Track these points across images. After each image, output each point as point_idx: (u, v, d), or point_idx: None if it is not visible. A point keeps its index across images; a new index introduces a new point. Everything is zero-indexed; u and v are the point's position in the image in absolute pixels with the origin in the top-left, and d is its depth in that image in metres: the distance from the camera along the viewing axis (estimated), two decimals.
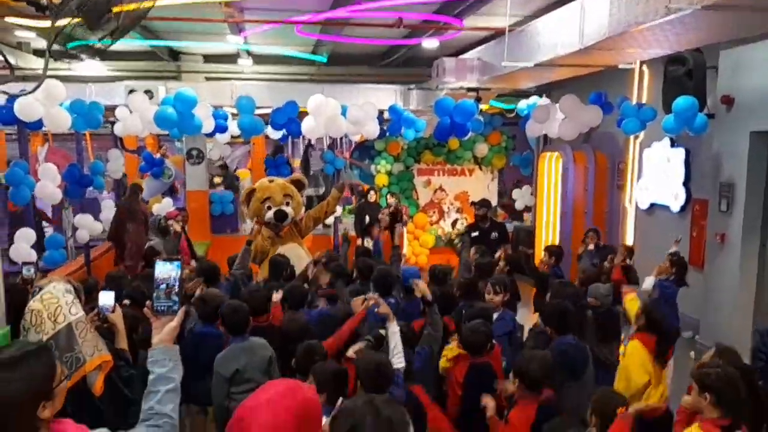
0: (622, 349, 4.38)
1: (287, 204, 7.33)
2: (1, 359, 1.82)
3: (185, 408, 4.55)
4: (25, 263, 4.65)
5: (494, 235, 8.02)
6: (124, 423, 2.65)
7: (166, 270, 2.21)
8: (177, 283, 2.20)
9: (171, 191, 11.13)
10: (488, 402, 3.58)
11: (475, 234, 7.95)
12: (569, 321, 4.24)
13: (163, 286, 2.19)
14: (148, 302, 2.21)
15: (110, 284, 4.74)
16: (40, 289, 3.00)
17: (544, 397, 3.43)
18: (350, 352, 3.84)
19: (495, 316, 4.81)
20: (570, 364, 3.93)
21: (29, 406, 1.82)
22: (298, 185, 7.75)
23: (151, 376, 2.11)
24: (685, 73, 6.85)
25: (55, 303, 2.87)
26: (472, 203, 8.49)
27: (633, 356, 4.06)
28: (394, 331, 3.82)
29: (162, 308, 2.18)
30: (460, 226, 11.45)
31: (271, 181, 7.59)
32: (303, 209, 7.73)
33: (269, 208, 7.24)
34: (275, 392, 1.97)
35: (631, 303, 4.61)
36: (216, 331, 4.38)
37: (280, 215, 7.19)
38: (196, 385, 4.07)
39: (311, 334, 4.17)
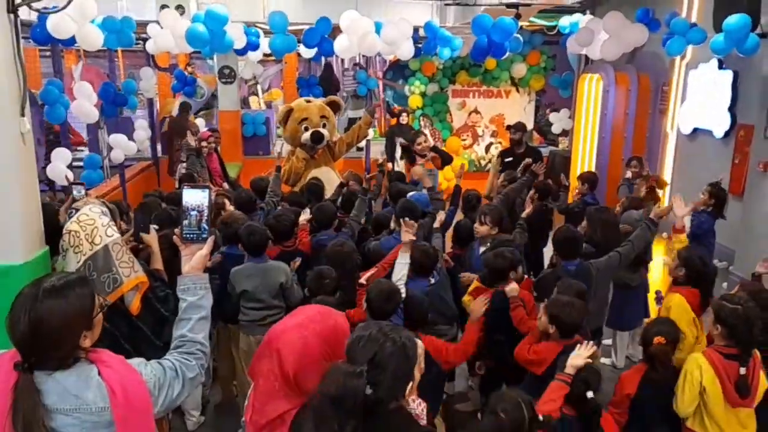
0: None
1: (323, 126, 7.33)
2: (45, 287, 1.86)
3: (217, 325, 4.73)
4: (74, 183, 4.72)
5: (529, 160, 7.87)
6: (160, 339, 2.72)
7: (194, 197, 2.16)
8: (206, 211, 2.16)
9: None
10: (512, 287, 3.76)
11: (508, 159, 7.79)
12: (575, 247, 4.25)
13: (194, 213, 2.15)
14: (176, 230, 2.19)
15: (144, 207, 4.82)
16: (77, 210, 3.05)
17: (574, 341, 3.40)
18: (363, 279, 3.86)
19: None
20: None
21: (72, 335, 1.87)
22: (334, 107, 7.70)
23: (182, 304, 2.14)
24: None
25: (92, 224, 2.92)
26: (507, 127, 8.28)
27: (677, 314, 3.81)
28: (404, 262, 3.81)
29: (191, 236, 2.16)
30: (494, 150, 11.29)
31: (308, 101, 7.54)
32: (337, 132, 7.71)
33: (306, 129, 7.23)
34: (306, 317, 1.99)
35: (679, 245, 4.48)
36: (239, 252, 4.47)
37: (317, 136, 7.20)
38: (220, 302, 4.17)
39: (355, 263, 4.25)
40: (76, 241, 2.89)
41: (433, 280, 4.06)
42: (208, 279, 2.20)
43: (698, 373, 3.12)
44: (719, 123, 7.61)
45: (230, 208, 5.29)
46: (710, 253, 5.69)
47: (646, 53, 9.06)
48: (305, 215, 5.08)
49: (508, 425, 2.42)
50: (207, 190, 2.18)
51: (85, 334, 1.90)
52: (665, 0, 8.25)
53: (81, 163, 7.61)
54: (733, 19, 6.14)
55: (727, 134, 7.56)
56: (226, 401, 4.85)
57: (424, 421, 2.21)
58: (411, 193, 5.55)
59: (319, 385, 1.78)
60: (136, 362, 2.01)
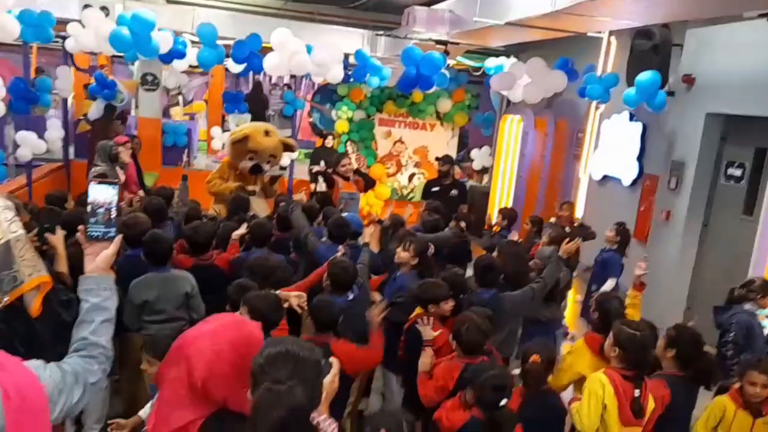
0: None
1: (268, 163, 7.27)
2: None
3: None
4: None
5: (454, 192, 8.06)
6: (61, 346, 2.57)
7: (102, 193, 2.05)
8: (114, 207, 2.05)
9: (122, 118, 10.70)
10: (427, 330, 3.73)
11: (435, 189, 7.95)
12: (492, 276, 4.37)
13: (101, 210, 2.03)
14: (80, 227, 2.05)
15: (49, 207, 4.59)
16: None
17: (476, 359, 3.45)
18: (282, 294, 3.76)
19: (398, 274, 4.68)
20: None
21: None
22: (289, 149, 7.66)
23: (84, 305, 2.01)
24: (651, 48, 6.87)
25: None
26: (436, 158, 8.47)
27: (577, 355, 3.88)
28: None
29: (97, 234, 2.03)
30: (417, 180, 11.46)
31: (267, 133, 7.37)
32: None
33: (251, 158, 7.12)
34: (219, 324, 1.93)
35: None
36: (139, 255, 4.29)
37: (256, 169, 7.14)
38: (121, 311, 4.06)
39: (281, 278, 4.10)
40: None
41: (351, 296, 4.06)
42: (113, 279, 2.08)
43: (601, 391, 3.23)
44: (628, 171, 8.04)
45: None
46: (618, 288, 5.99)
47: (565, 100, 9.50)
48: (242, 230, 4.97)
49: None
50: (116, 187, 2.07)
51: None
52: (584, 52, 8.70)
53: None
54: (645, 76, 6.55)
55: (634, 182, 7.99)
56: (129, 414, 4.61)
57: None
58: (344, 215, 5.65)
59: (254, 412, 1.67)
60: (34, 365, 1.87)
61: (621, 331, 3.30)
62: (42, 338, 2.87)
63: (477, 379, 3.06)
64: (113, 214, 2.05)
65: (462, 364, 3.42)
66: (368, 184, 7.29)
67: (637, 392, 3.25)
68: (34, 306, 2.81)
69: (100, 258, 2.03)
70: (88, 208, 2.04)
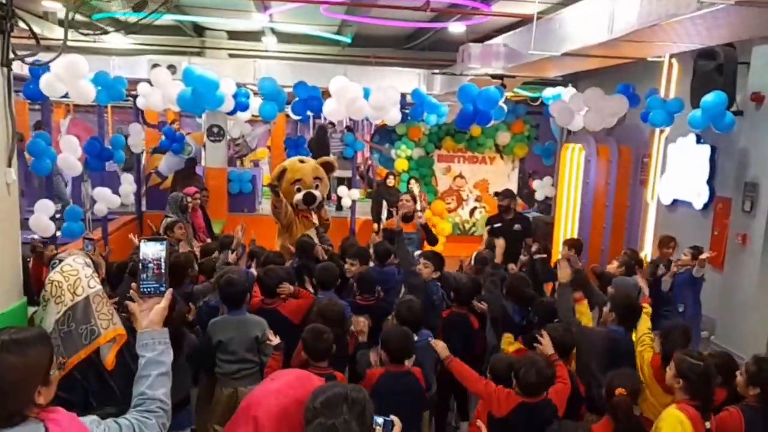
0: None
1: (316, 187, 7.33)
2: (3, 340, 1.81)
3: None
4: (87, 238, 4.74)
5: (517, 227, 7.88)
6: (129, 400, 2.66)
7: (152, 249, 2.12)
8: (164, 263, 2.12)
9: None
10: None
11: (497, 225, 7.83)
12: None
13: (151, 266, 2.10)
14: (133, 284, 2.13)
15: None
16: (60, 261, 3.03)
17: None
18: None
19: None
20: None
21: (26, 390, 1.81)
22: (328, 168, 7.72)
23: (141, 361, 2.07)
24: (715, 68, 6.68)
25: (75, 275, 2.90)
26: (495, 194, 8.37)
27: None
28: None
29: (149, 289, 2.11)
30: (479, 214, 11.40)
31: (302, 162, 7.54)
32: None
33: (299, 189, 7.22)
34: (284, 382, 1.97)
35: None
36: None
37: (309, 198, 7.17)
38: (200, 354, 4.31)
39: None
40: (58, 291, 2.87)
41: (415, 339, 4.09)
42: (167, 333, 2.14)
43: (680, 428, 3.15)
44: (698, 195, 7.77)
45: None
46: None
47: (627, 126, 9.31)
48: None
49: None
50: (165, 243, 2.15)
51: (40, 390, 1.84)
52: (644, 77, 8.54)
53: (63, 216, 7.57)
54: (710, 97, 6.36)
55: (706, 206, 7.71)
56: None
57: None
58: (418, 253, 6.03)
59: None
60: (89, 420, 1.94)
61: (684, 361, 3.28)
62: (115, 392, 2.95)
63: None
64: (163, 269, 2.11)
65: (518, 402, 3.41)
66: (430, 240, 7.20)
67: (708, 425, 3.21)
68: (109, 359, 2.91)
69: (153, 313, 2.10)
70: (140, 266, 2.11)
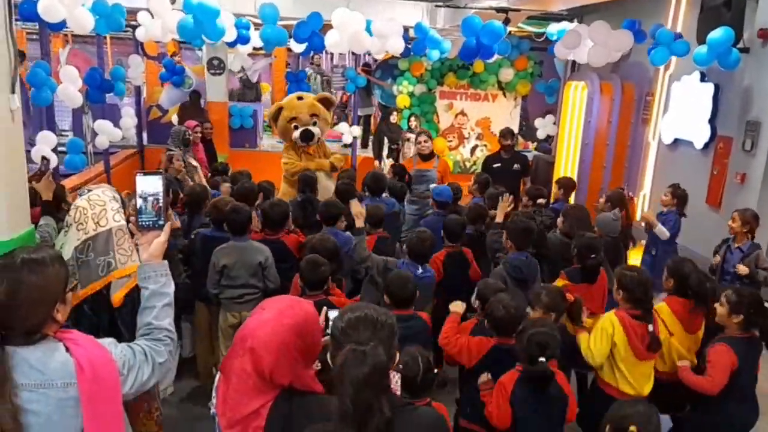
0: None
1: (314, 124, 7.34)
2: (23, 257, 1.88)
3: (197, 305, 4.84)
4: (43, 157, 4.84)
5: (516, 166, 7.94)
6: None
7: (149, 183, 2.12)
8: (162, 197, 2.13)
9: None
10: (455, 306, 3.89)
11: (496, 165, 7.87)
12: (527, 238, 4.52)
13: (150, 199, 2.11)
14: (132, 218, 2.16)
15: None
16: (89, 190, 3.05)
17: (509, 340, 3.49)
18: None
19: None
20: (520, 278, 4.30)
21: (45, 306, 1.88)
22: (327, 103, 7.72)
23: (145, 292, 2.13)
24: (723, 3, 6.58)
25: (102, 205, 2.91)
26: (500, 132, 8.40)
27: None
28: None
29: (147, 223, 2.12)
30: (479, 153, 11.38)
31: (299, 98, 7.53)
32: (329, 127, 7.72)
33: (296, 127, 7.24)
34: (277, 311, 1.98)
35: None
36: (224, 235, 4.62)
37: (307, 135, 7.20)
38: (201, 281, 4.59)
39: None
40: (82, 218, 2.89)
41: (420, 270, 4.28)
42: (167, 265, 2.18)
43: (611, 329, 3.51)
44: (699, 134, 7.76)
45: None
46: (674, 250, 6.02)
47: (631, 63, 9.21)
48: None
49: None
50: (161, 176, 2.15)
51: (58, 307, 1.91)
52: (651, 12, 8.41)
53: (64, 149, 7.57)
54: (717, 33, 6.28)
55: (706, 146, 7.71)
56: (202, 385, 4.89)
57: (398, 392, 2.26)
58: (433, 186, 6.20)
59: (341, 371, 1.75)
60: (107, 342, 2.02)
61: (623, 275, 3.58)
62: (121, 330, 3.01)
63: (524, 333, 3.14)
64: (161, 203, 2.13)
65: (493, 342, 3.50)
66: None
67: (650, 327, 3.51)
68: (117, 296, 2.95)
69: (153, 246, 2.14)
70: (138, 199, 2.12)
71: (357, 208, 4.48)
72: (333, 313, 2.04)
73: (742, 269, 5.04)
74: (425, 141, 7.39)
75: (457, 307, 3.88)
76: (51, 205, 4.21)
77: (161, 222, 2.14)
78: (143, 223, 2.13)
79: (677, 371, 3.75)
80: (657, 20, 8.06)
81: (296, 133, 7.21)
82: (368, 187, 6.09)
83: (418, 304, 3.83)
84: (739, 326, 3.59)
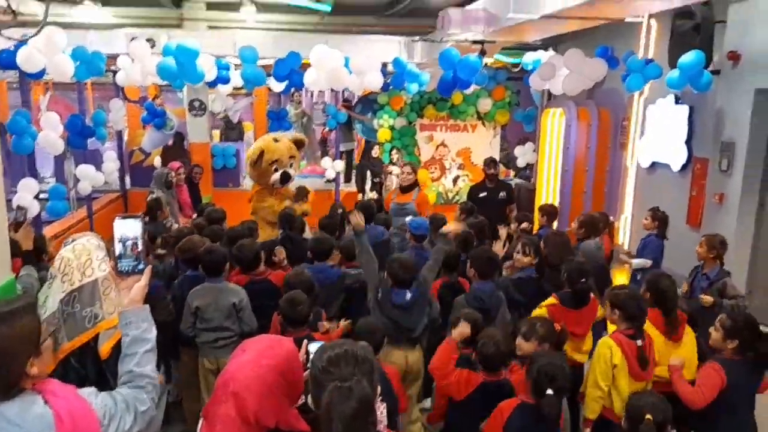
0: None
1: (291, 165, 7.51)
2: None
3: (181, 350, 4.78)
4: (19, 207, 4.82)
5: (502, 194, 7.99)
6: None
7: (128, 227, 2.10)
8: (141, 241, 2.10)
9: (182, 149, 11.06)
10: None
11: (483, 194, 7.92)
12: (491, 268, 4.56)
13: (129, 244, 2.09)
14: (111, 263, 2.18)
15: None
16: (74, 240, 3.02)
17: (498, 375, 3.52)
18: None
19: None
20: (481, 308, 4.23)
21: (17, 361, 1.84)
22: (300, 144, 7.88)
23: (126, 339, 2.09)
24: (692, 28, 6.76)
25: (87, 255, 2.87)
26: (484, 162, 8.48)
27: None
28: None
29: (127, 268, 2.10)
30: (462, 183, 11.46)
31: (276, 140, 7.63)
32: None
33: (276, 170, 7.37)
34: (256, 352, 1.97)
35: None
36: (200, 274, 4.62)
37: (285, 177, 7.38)
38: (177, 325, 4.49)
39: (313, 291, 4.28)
40: (67, 269, 2.84)
41: (409, 295, 4.20)
42: (149, 310, 2.15)
43: (609, 353, 3.56)
44: (676, 156, 7.89)
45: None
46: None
47: (606, 89, 9.38)
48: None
49: None
50: (140, 220, 2.13)
51: (32, 361, 1.87)
52: (623, 38, 8.60)
53: (46, 196, 7.53)
54: (688, 57, 6.43)
55: (684, 167, 7.83)
56: (190, 430, 4.80)
57: (384, 423, 2.23)
58: (409, 219, 6.08)
59: (328, 409, 1.73)
60: (87, 392, 1.98)
61: (615, 295, 3.68)
62: (109, 382, 2.94)
63: (533, 364, 3.14)
64: (140, 247, 2.10)
65: (481, 379, 3.49)
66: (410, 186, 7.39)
67: (639, 342, 3.57)
68: (105, 347, 2.89)
69: (133, 291, 2.11)
70: (116, 243, 2.10)
71: (356, 219, 4.44)
72: (313, 347, 2.02)
73: (706, 300, 4.88)
74: (408, 173, 7.44)
75: (460, 331, 3.79)
76: (31, 254, 4.17)
77: (141, 266, 2.11)
78: (123, 268, 2.10)
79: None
80: (629, 46, 8.26)
81: (276, 176, 7.35)
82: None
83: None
84: (735, 351, 3.58)
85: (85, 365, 2.95)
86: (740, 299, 4.84)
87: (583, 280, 4.25)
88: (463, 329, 3.70)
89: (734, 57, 6.60)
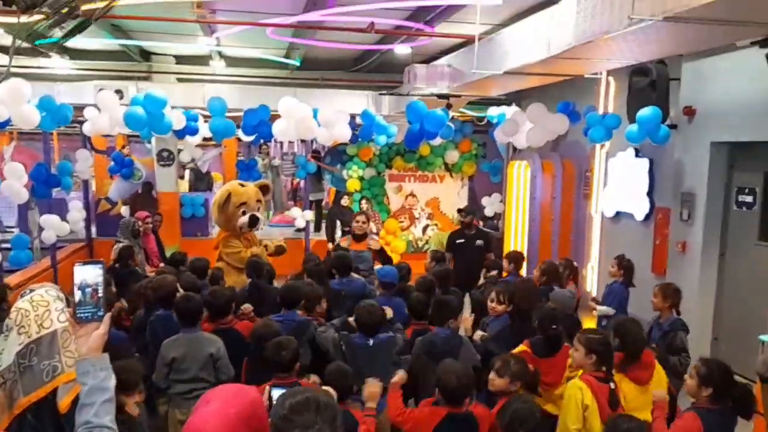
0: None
1: (258, 209, 7.48)
2: None
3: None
4: None
5: (479, 242, 8.01)
6: None
7: (88, 273, 2.04)
8: (101, 287, 2.04)
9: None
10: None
11: (460, 241, 7.95)
12: (446, 314, 4.62)
13: (88, 290, 2.02)
14: (68, 310, 2.10)
15: None
16: (31, 291, 2.93)
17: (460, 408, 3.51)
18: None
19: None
20: (433, 353, 4.26)
21: None
22: (265, 190, 7.90)
23: (84, 388, 2.01)
24: (648, 84, 7.01)
25: (45, 306, 2.77)
26: (459, 210, 8.57)
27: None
28: None
29: (86, 315, 2.03)
30: (431, 232, 11.56)
31: (242, 185, 7.63)
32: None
33: (244, 213, 7.31)
34: (221, 401, 1.93)
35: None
36: (170, 314, 4.55)
37: (254, 220, 7.32)
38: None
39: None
40: (24, 320, 2.74)
41: (371, 342, 4.25)
42: (108, 358, 2.08)
43: (580, 394, 3.54)
44: (639, 207, 8.07)
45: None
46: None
47: (569, 142, 9.64)
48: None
49: None
50: (101, 266, 2.07)
51: None
52: (583, 94, 8.88)
53: (9, 245, 7.39)
54: (645, 112, 6.66)
55: (647, 217, 8.01)
56: None
57: None
58: (378, 267, 6.12)
59: None
60: None
61: (591, 340, 3.70)
62: None
63: (507, 407, 3.16)
64: (100, 294, 2.03)
65: (444, 412, 3.46)
66: (384, 261, 7.31)
67: (612, 385, 3.62)
68: (64, 402, 2.78)
69: (92, 339, 2.02)
70: (75, 290, 2.03)
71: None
72: (276, 392, 1.98)
73: None
74: (363, 222, 7.46)
75: (399, 378, 3.88)
76: None
77: (100, 313, 2.04)
78: (81, 315, 2.03)
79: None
80: (589, 101, 8.54)
81: (244, 219, 7.26)
82: (335, 268, 6.01)
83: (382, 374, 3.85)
84: (710, 399, 3.52)
85: (42, 420, 2.84)
86: (683, 356, 4.82)
87: (554, 326, 4.27)
88: (400, 376, 3.87)
89: (690, 112, 6.86)
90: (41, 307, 2.76)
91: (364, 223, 7.43)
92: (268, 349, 3.75)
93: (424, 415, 3.49)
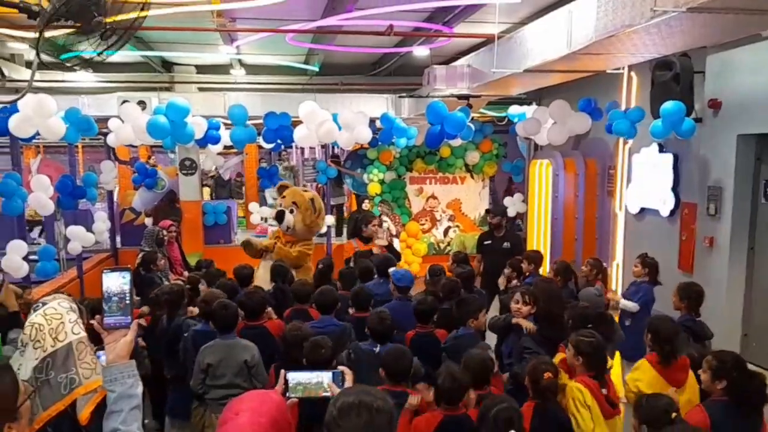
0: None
1: (291, 211, 7.52)
2: None
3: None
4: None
5: (506, 245, 7.85)
6: None
7: (115, 281, 2.06)
8: (128, 295, 2.06)
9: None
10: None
11: (487, 242, 7.86)
12: (465, 313, 4.69)
13: (115, 298, 2.05)
14: (97, 317, 2.09)
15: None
16: (44, 304, 2.94)
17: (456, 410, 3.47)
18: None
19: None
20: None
21: None
22: (314, 202, 7.97)
23: (111, 395, 2.04)
24: (672, 78, 6.91)
25: (59, 319, 2.78)
26: (487, 211, 8.52)
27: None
28: None
29: (114, 323, 2.06)
30: (452, 233, 11.51)
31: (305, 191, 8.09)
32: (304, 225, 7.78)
33: (291, 211, 7.61)
34: (251, 410, 1.96)
35: None
36: (212, 330, 4.55)
37: (278, 216, 7.48)
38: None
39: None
40: (39, 335, 2.75)
41: (379, 348, 4.25)
42: (135, 365, 2.10)
43: (581, 396, 3.57)
44: (664, 202, 7.97)
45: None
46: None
47: (592, 139, 9.55)
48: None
49: None
50: (128, 274, 2.09)
51: (9, 425, 1.79)
52: (605, 90, 8.80)
53: (36, 257, 7.49)
54: (669, 106, 6.57)
55: (672, 213, 7.90)
56: None
57: None
58: (392, 270, 5.96)
59: None
60: None
61: (581, 342, 3.72)
62: None
63: (488, 411, 3.11)
64: (127, 301, 2.06)
65: (441, 416, 3.42)
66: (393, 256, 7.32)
67: (604, 391, 3.65)
68: (85, 413, 2.80)
69: (119, 346, 2.05)
70: (104, 297, 2.06)
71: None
72: (291, 375, 1.99)
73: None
74: (373, 226, 7.54)
75: (416, 401, 3.62)
76: (17, 316, 4.10)
77: (128, 321, 2.06)
78: (109, 322, 2.05)
79: None
80: (611, 97, 8.45)
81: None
82: (377, 269, 6.13)
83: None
84: (723, 392, 3.47)
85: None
86: None
87: (589, 326, 4.21)
88: (418, 400, 3.61)
89: (715, 105, 6.76)
90: (55, 320, 2.75)
91: (373, 226, 7.56)
92: (306, 348, 3.80)
93: (422, 423, 3.45)
